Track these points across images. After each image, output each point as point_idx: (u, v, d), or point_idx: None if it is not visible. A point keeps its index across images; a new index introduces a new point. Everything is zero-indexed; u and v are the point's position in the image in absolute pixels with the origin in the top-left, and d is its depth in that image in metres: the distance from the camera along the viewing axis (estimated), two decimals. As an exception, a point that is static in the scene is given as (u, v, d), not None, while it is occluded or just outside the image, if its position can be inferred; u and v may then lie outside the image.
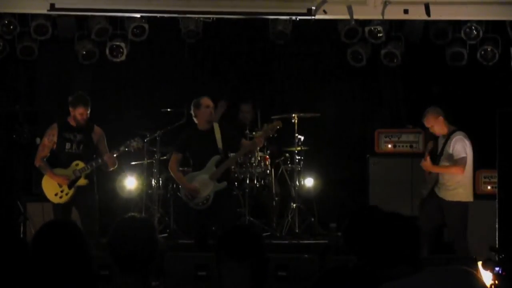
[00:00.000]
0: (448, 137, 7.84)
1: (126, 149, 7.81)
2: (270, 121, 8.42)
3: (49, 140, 7.69)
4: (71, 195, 7.61)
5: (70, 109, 7.66)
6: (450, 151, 7.75)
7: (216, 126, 7.75)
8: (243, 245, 2.97)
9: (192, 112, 7.78)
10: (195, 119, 7.78)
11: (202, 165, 7.69)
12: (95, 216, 7.60)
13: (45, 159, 7.69)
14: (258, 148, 8.78)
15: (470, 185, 7.90)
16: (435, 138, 8.08)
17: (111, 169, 7.84)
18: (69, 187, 7.60)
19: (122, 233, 3.21)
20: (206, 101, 7.70)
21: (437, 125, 7.86)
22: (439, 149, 7.89)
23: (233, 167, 8.43)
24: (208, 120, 7.69)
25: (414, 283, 2.61)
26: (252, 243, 2.99)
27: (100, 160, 7.65)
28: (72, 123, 7.69)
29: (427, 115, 7.92)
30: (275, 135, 8.39)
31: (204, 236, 7.66)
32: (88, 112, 7.67)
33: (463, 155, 7.79)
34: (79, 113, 7.61)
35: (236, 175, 8.86)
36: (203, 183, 7.63)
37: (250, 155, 8.67)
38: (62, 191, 7.60)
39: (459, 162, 7.77)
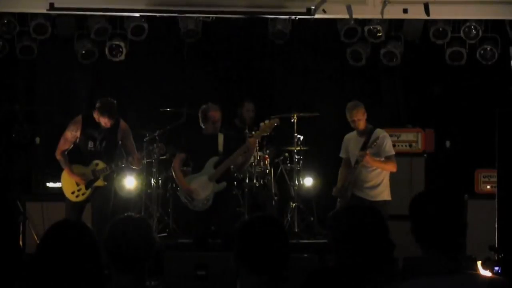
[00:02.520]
0: (369, 133, 7.75)
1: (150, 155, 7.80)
2: (267, 119, 8.39)
3: (72, 134, 7.49)
4: (87, 195, 7.50)
5: (97, 111, 7.43)
6: (378, 147, 7.68)
7: (221, 135, 7.68)
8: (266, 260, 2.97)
9: (199, 117, 7.70)
10: (201, 124, 7.74)
11: (202, 167, 7.67)
12: (106, 216, 7.39)
13: (66, 153, 7.52)
14: (257, 148, 8.80)
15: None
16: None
17: (136, 168, 7.80)
18: (87, 187, 7.48)
19: (118, 233, 3.21)
20: (213, 116, 7.60)
21: (363, 120, 7.79)
22: (360, 145, 7.77)
23: (232, 167, 8.40)
24: (210, 132, 7.67)
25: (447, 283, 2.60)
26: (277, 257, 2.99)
27: (123, 163, 7.53)
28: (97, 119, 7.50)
29: (357, 108, 7.77)
30: (273, 133, 8.37)
31: (204, 235, 7.66)
32: (113, 121, 7.46)
33: (393, 152, 7.81)
34: (104, 122, 7.43)
35: (235, 174, 8.85)
36: (202, 185, 7.60)
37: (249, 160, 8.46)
38: (79, 190, 7.48)
39: (393, 159, 7.78)
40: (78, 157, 7.55)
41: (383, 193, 7.80)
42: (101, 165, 7.50)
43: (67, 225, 2.91)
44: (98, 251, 2.83)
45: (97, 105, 7.49)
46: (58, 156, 7.53)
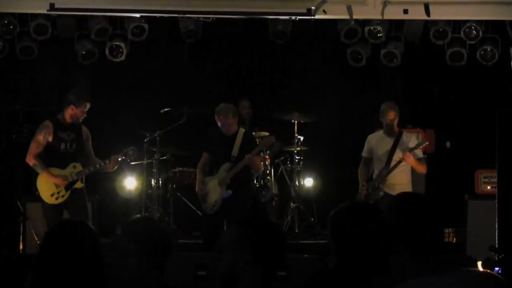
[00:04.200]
0: (398, 135, 7.90)
1: (124, 157, 7.71)
2: (264, 137, 8.48)
3: (44, 138, 7.44)
4: (67, 197, 7.47)
5: (72, 106, 7.45)
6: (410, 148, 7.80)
7: (241, 132, 7.78)
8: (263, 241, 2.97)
9: None
10: None
11: (218, 168, 7.79)
12: (86, 217, 7.47)
13: (38, 157, 7.46)
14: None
15: None
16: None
17: (104, 171, 7.71)
18: (66, 189, 7.45)
19: (147, 225, 3.25)
20: (221, 120, 7.68)
21: (396, 121, 7.93)
22: (389, 147, 7.87)
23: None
24: (227, 133, 7.73)
25: (439, 283, 2.60)
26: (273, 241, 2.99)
27: (100, 165, 7.51)
28: (65, 121, 7.51)
29: (395, 107, 7.93)
30: (267, 151, 8.49)
31: (213, 237, 7.66)
32: (87, 110, 7.55)
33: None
34: (81, 111, 7.45)
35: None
36: (213, 188, 7.72)
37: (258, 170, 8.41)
38: (59, 193, 7.44)
39: (424, 160, 7.99)
40: (52, 162, 7.49)
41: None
42: (78, 167, 7.51)
43: (69, 225, 2.91)
44: (100, 251, 2.83)
45: (71, 98, 7.49)
46: (32, 161, 7.44)
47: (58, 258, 2.75)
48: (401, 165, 7.79)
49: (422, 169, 7.97)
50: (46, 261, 2.77)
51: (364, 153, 8.10)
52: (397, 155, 7.80)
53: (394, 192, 7.74)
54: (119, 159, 7.63)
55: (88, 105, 7.51)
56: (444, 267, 2.72)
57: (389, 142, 7.91)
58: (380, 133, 8.06)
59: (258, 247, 2.95)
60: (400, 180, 7.82)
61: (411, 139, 7.91)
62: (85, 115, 7.55)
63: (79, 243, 2.79)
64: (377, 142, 8.01)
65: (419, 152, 7.86)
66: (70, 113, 7.49)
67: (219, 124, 7.72)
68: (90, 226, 2.91)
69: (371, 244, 2.85)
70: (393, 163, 7.81)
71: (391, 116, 7.89)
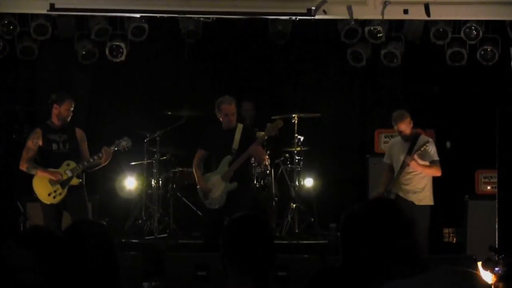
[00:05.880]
0: (414, 139, 7.79)
1: (116, 149, 7.69)
2: (272, 121, 8.37)
3: (33, 143, 7.50)
4: (64, 194, 7.47)
5: (55, 106, 7.48)
6: (424, 152, 7.71)
7: (239, 127, 7.71)
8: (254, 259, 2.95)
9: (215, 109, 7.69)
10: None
11: (219, 163, 7.71)
12: (87, 215, 7.49)
13: (30, 161, 7.51)
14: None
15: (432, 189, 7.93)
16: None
17: (99, 166, 7.66)
18: (62, 186, 7.46)
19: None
20: (226, 109, 7.58)
21: (409, 128, 7.83)
22: (404, 150, 7.78)
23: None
24: (226, 126, 7.68)
25: (417, 283, 2.59)
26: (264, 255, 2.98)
27: (93, 159, 7.51)
28: (54, 125, 7.55)
29: (405, 119, 7.79)
30: (277, 134, 8.35)
31: (215, 236, 7.64)
32: (72, 108, 7.55)
33: (438, 157, 7.87)
34: (66, 109, 7.47)
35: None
36: (216, 184, 7.64)
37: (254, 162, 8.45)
38: (55, 191, 7.45)
39: (438, 164, 7.83)
40: (47, 163, 7.52)
41: (426, 198, 7.84)
42: (72, 164, 7.51)
43: (87, 224, 2.92)
44: (116, 251, 2.84)
45: (53, 97, 7.54)
46: (24, 166, 7.51)
47: (73, 258, 2.76)
48: (414, 169, 7.73)
49: (432, 172, 7.84)
50: (61, 259, 2.77)
51: (384, 159, 8.09)
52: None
53: (409, 197, 7.76)
54: (112, 149, 7.59)
55: (72, 103, 7.52)
56: (421, 269, 2.70)
57: (405, 147, 7.84)
58: (399, 138, 7.97)
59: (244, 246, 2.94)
60: (417, 184, 7.77)
61: (423, 141, 7.77)
62: (71, 114, 7.54)
63: (95, 243, 2.80)
64: (395, 147, 7.97)
65: (433, 154, 7.77)
66: (55, 113, 7.53)
67: (222, 114, 7.58)
68: (105, 226, 2.93)
69: (383, 246, 2.80)
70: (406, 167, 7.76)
71: (400, 128, 7.80)
